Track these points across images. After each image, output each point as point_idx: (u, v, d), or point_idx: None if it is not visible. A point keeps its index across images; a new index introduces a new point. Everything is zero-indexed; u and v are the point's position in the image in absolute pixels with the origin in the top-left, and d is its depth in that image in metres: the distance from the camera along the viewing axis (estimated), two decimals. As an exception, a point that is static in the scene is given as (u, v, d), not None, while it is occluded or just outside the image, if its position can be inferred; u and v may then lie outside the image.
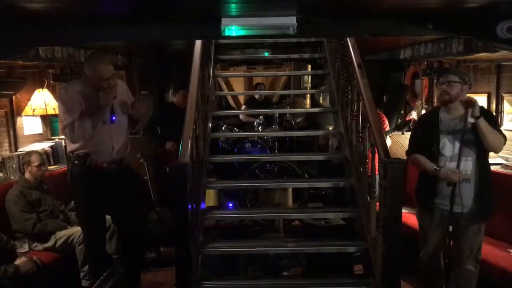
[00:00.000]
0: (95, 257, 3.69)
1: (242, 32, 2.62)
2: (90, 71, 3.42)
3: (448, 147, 3.24)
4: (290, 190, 5.15)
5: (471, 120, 3.08)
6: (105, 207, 3.65)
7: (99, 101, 3.39)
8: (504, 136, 3.20)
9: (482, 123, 3.08)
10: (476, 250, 3.28)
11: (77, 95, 3.42)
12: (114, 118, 3.50)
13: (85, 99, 3.43)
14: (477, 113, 3.07)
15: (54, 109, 5.18)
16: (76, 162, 3.53)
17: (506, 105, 4.79)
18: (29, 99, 5.04)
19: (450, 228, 3.21)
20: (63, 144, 5.40)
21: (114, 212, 3.76)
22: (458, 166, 3.14)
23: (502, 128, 4.74)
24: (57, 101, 3.47)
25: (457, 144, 3.19)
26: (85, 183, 3.53)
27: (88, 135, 3.38)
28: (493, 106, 4.94)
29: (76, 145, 3.50)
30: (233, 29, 2.59)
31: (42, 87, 5.16)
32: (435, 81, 3.33)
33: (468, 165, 3.19)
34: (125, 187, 3.67)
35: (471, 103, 3.09)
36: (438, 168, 3.21)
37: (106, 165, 3.54)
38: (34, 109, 5.00)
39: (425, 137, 3.35)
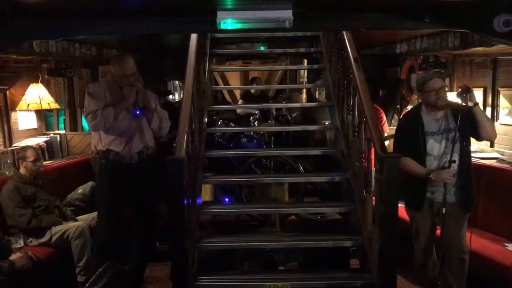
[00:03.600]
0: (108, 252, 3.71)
1: (238, 26, 2.60)
2: (115, 68, 3.71)
3: (436, 147, 3.38)
4: (286, 185, 5.15)
5: (470, 104, 3.21)
6: (128, 200, 3.80)
7: (123, 94, 3.65)
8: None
9: (479, 110, 3.27)
10: (464, 239, 3.42)
11: (104, 89, 3.69)
12: (138, 112, 3.72)
13: (110, 93, 3.68)
14: (475, 99, 3.24)
15: (48, 104, 5.16)
16: (103, 160, 3.69)
17: (502, 100, 4.79)
18: (23, 94, 5.02)
19: (442, 212, 3.29)
20: (58, 139, 5.39)
21: (137, 204, 3.87)
22: (449, 166, 3.25)
23: (498, 123, 4.81)
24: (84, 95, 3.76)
25: (444, 143, 3.36)
26: (111, 178, 3.69)
27: (109, 124, 3.58)
28: (489, 101, 4.93)
29: (102, 138, 3.66)
30: (228, 23, 2.56)
31: (37, 82, 5.14)
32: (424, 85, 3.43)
33: (453, 156, 3.29)
34: (148, 180, 3.82)
35: (469, 89, 3.23)
36: (430, 173, 3.30)
37: (129, 158, 3.72)
38: (28, 104, 4.98)
39: (410, 139, 3.43)
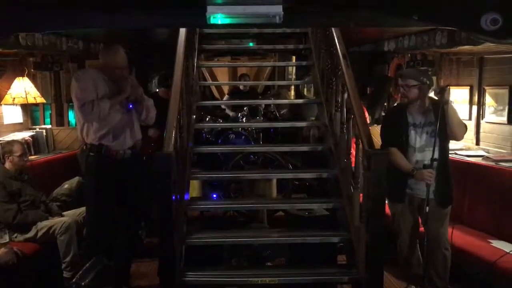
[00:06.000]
0: (98, 247, 3.65)
1: (227, 21, 2.59)
2: (107, 59, 3.61)
3: (417, 139, 3.47)
4: (274, 181, 5.14)
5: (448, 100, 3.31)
6: (116, 195, 3.72)
7: (118, 88, 3.58)
8: (465, 126, 3.48)
9: (452, 108, 3.35)
10: (445, 235, 3.50)
11: (91, 79, 3.55)
12: (131, 106, 3.66)
13: (100, 85, 3.55)
14: (448, 97, 3.30)
15: (34, 98, 5.10)
16: (91, 153, 3.60)
17: (488, 98, 4.84)
18: (9, 88, 4.95)
19: (425, 211, 3.32)
20: (44, 133, 5.33)
21: (124, 199, 3.79)
22: (431, 164, 3.29)
23: (483, 121, 4.86)
24: (71, 84, 3.62)
25: (424, 136, 3.46)
26: (102, 173, 3.61)
27: (103, 115, 3.49)
28: (475, 99, 4.98)
29: (93, 132, 3.56)
30: (218, 17, 2.55)
31: (23, 76, 5.07)
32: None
33: (434, 154, 3.33)
34: (137, 174, 3.80)
35: (444, 88, 3.32)
36: (414, 170, 3.37)
37: (121, 153, 3.65)
38: (14, 98, 4.92)
39: (395, 130, 3.53)
